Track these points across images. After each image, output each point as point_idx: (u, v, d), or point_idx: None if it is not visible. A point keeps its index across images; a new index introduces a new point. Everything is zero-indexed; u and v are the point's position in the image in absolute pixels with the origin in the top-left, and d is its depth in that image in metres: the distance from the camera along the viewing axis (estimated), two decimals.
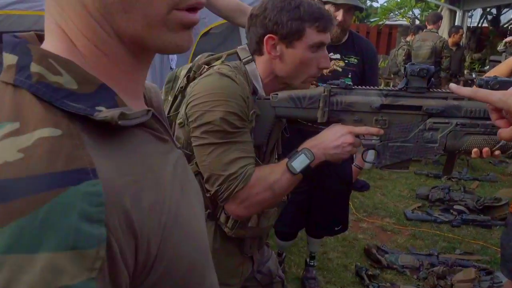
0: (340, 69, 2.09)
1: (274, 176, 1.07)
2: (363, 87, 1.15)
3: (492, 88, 1.06)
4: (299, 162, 1.06)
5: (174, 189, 0.47)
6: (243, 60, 1.16)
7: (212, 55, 1.20)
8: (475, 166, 4.86)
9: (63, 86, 0.40)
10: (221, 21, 2.13)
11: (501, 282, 2.49)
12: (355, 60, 2.12)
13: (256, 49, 1.15)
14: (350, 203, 3.60)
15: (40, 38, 0.46)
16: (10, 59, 0.41)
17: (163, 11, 0.43)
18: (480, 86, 1.09)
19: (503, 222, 3.42)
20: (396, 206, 3.77)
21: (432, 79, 1.12)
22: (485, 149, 1.08)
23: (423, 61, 5.07)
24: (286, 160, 1.08)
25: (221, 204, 1.10)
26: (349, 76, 2.09)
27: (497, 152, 1.09)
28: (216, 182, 1.06)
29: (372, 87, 1.14)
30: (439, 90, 1.13)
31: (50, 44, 0.44)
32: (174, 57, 2.06)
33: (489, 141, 1.08)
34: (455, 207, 3.62)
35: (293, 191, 2.15)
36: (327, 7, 2.05)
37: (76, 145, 0.37)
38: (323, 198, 2.26)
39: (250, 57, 1.16)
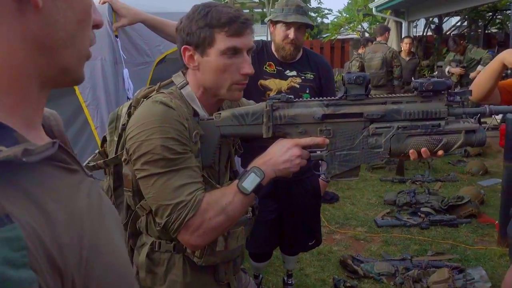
0: (298, 86, 2.12)
1: (226, 198, 1.03)
2: (304, 99, 1.15)
3: (426, 89, 1.10)
4: (250, 181, 1.04)
5: (91, 219, 0.46)
6: (178, 85, 1.14)
7: (150, 87, 1.19)
8: (436, 168, 5.04)
9: None
10: (176, 47, 2.12)
11: (473, 278, 2.56)
12: (311, 76, 2.16)
13: (182, 64, 1.14)
14: (321, 216, 3.63)
15: None
16: None
17: (88, 48, 0.49)
18: (415, 88, 1.12)
19: (469, 219, 3.54)
20: (366, 215, 3.82)
21: (370, 85, 1.14)
22: (423, 149, 1.10)
23: (376, 71, 5.28)
24: (236, 181, 1.06)
25: (173, 236, 1.05)
26: (307, 91, 2.12)
27: (440, 152, 1.11)
28: (165, 213, 1.01)
29: (313, 99, 1.15)
30: (377, 95, 1.15)
31: None
32: (130, 88, 2.01)
33: (432, 142, 1.11)
34: (422, 209, 3.72)
35: (263, 210, 2.15)
36: (278, 26, 2.10)
37: None
38: (294, 214, 2.25)
39: (184, 81, 1.15)
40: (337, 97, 1.13)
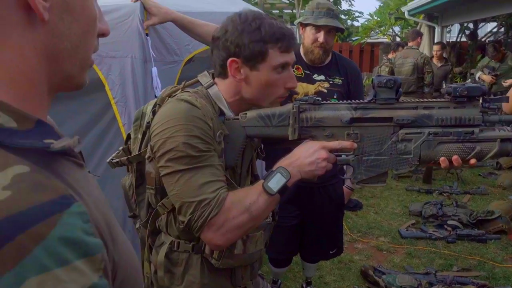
0: (325, 90, 2.08)
1: (250, 198, 1.02)
2: (332, 101, 1.12)
3: (460, 94, 1.06)
4: (276, 182, 1.02)
5: (105, 208, 0.51)
6: (205, 85, 1.14)
7: (175, 86, 1.18)
8: (465, 180, 4.87)
9: (4, 126, 0.41)
10: (205, 47, 2.12)
11: None
12: (340, 81, 2.11)
13: (221, 72, 1.12)
14: (344, 223, 3.56)
15: None
16: None
17: (90, 56, 0.52)
18: (448, 93, 1.08)
19: (498, 235, 3.40)
20: (390, 225, 3.73)
21: (400, 89, 1.10)
22: (455, 157, 1.06)
23: (406, 77, 5.15)
24: (261, 181, 1.04)
25: (197, 235, 1.04)
26: (335, 96, 2.08)
27: (472, 161, 1.06)
28: (188, 210, 1.00)
29: (341, 101, 1.12)
30: (409, 100, 1.11)
31: None
32: (158, 86, 2.02)
33: (464, 149, 1.06)
34: (449, 222, 3.59)
35: (284, 215, 2.12)
36: (308, 28, 2.06)
37: (47, 177, 0.41)
38: (316, 222, 2.21)
39: (211, 81, 1.14)
40: (366, 101, 1.10)
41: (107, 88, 1.87)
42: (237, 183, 1.16)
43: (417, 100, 1.11)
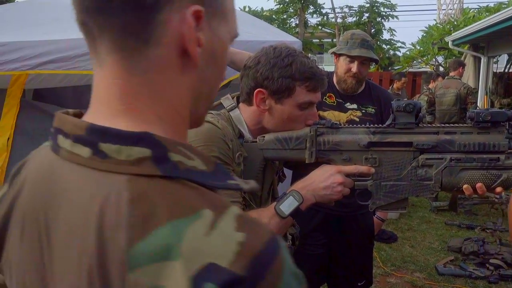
0: (358, 119, 2.07)
1: (262, 220, 1.02)
2: (350, 125, 1.13)
3: (483, 120, 1.04)
4: (287, 205, 1.04)
5: None
6: (227, 108, 1.17)
7: None
8: None
9: (198, 169, 0.45)
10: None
11: None
12: (373, 110, 2.10)
13: (246, 99, 1.16)
14: (376, 255, 3.45)
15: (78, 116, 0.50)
16: (137, 151, 0.43)
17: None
18: (471, 118, 1.06)
19: None
20: (426, 260, 3.56)
21: (421, 114, 1.09)
22: (479, 184, 1.03)
23: (448, 108, 5.02)
24: (274, 203, 1.05)
25: None
26: None
27: (498, 189, 1.03)
28: None
29: (359, 126, 1.12)
30: (429, 125, 1.10)
31: (160, 132, 0.47)
32: None
33: (489, 177, 1.03)
34: (491, 261, 3.38)
35: (312, 243, 2.09)
36: (342, 58, 2.09)
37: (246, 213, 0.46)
38: (344, 252, 2.16)
39: (234, 104, 1.17)
40: (384, 125, 1.10)
41: None
42: (258, 206, 1.17)
43: (439, 125, 1.10)
